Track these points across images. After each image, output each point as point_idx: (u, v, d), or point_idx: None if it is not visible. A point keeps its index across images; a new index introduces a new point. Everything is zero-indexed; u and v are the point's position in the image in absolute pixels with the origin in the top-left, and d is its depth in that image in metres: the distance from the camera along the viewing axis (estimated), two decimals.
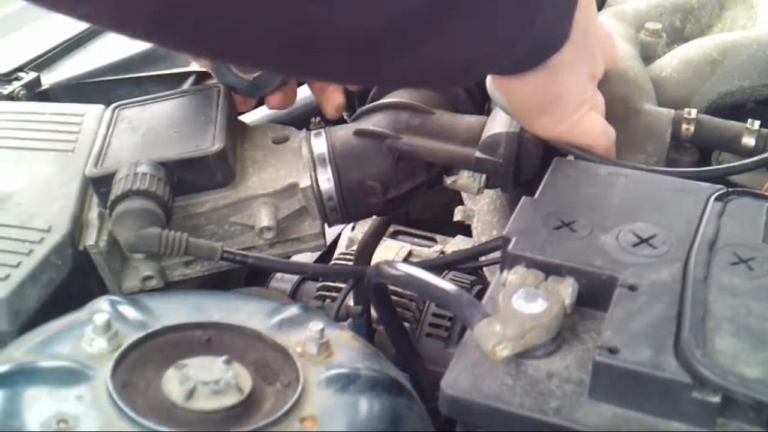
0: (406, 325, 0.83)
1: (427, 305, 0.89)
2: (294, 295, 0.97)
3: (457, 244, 1.05)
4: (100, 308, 0.59)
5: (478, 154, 0.80)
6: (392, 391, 0.58)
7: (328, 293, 0.93)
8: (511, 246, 0.56)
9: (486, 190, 0.85)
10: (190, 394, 0.52)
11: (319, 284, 0.95)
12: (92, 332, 0.56)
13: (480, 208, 0.91)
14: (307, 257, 1.01)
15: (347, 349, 0.60)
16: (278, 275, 1.01)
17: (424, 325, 0.87)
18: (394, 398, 0.57)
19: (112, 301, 0.61)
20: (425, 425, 0.59)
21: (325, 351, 0.58)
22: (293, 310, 0.62)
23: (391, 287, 0.78)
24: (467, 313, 0.51)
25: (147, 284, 0.76)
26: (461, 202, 0.97)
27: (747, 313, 0.50)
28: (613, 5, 0.98)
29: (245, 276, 0.98)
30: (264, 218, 0.77)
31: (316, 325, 0.59)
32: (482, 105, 0.92)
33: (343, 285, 0.87)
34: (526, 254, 0.55)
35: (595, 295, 0.53)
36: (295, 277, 1.00)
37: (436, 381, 0.51)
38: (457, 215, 0.95)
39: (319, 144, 0.81)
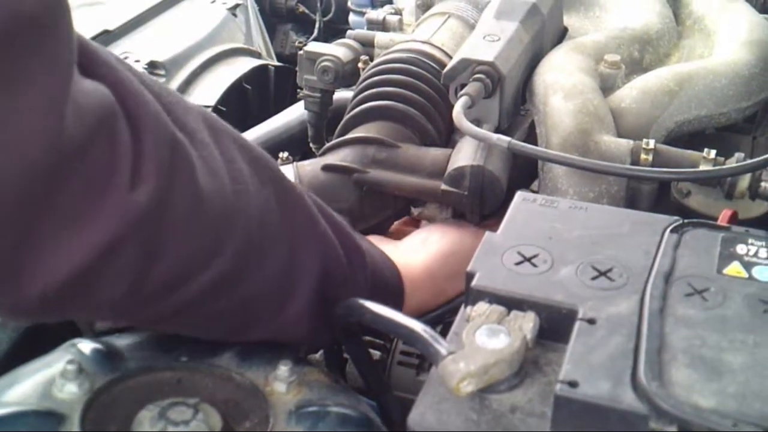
0: (377, 353, 0.84)
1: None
2: None
3: None
4: (70, 351, 0.60)
5: (443, 186, 0.82)
6: (362, 427, 0.59)
7: None
8: (474, 282, 0.57)
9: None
10: None
11: None
12: (62, 377, 0.56)
13: None
14: None
15: (317, 385, 0.61)
16: None
17: (395, 354, 0.88)
18: (361, 430, 0.58)
19: (82, 343, 0.61)
20: None
21: (294, 389, 0.59)
22: (262, 347, 0.63)
23: None
24: (432, 350, 0.53)
25: (118, 323, 0.76)
26: None
27: (701, 344, 0.51)
28: (573, 38, 1.00)
29: None
30: None
31: (285, 363, 0.60)
32: (448, 138, 0.94)
33: None
34: (489, 289, 0.56)
35: (556, 328, 0.55)
36: None
37: (408, 408, 0.52)
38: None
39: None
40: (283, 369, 0.59)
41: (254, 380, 0.60)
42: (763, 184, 0.77)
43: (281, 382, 0.59)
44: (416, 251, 0.80)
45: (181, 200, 0.53)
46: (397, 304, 0.74)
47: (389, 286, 0.74)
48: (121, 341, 0.63)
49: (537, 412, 0.51)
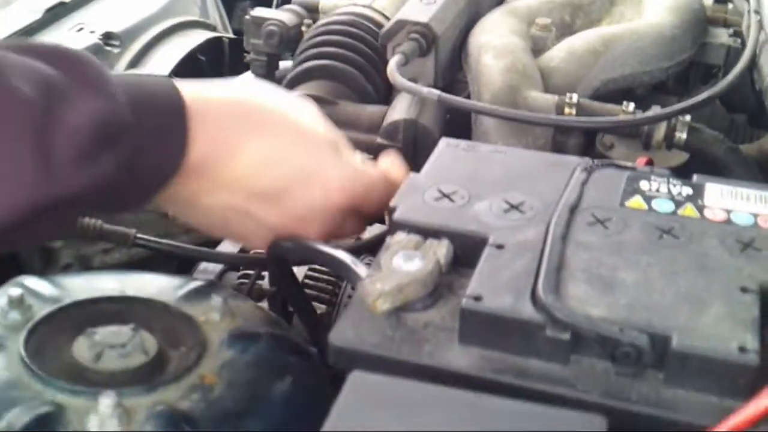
0: (323, 307, 0.88)
1: (343, 289, 0.93)
2: None
3: (373, 231, 1.10)
4: (15, 285, 0.63)
5: (379, 140, 0.86)
6: (292, 352, 0.63)
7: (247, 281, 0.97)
8: (395, 215, 0.61)
9: None
10: (98, 356, 0.57)
11: (240, 273, 1.00)
12: (6, 306, 0.60)
13: None
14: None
15: (250, 316, 0.65)
16: (201, 266, 1.05)
17: (340, 308, 0.92)
18: (294, 358, 0.62)
19: (27, 279, 0.64)
20: (324, 384, 0.64)
21: (228, 318, 0.63)
22: (199, 283, 0.67)
23: (309, 272, 0.84)
24: (352, 273, 0.57)
25: (67, 272, 0.80)
26: None
27: (598, 265, 0.56)
28: (508, 2, 1.05)
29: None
30: None
31: (219, 294, 0.63)
32: (387, 98, 0.98)
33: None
34: (408, 221, 0.61)
35: (469, 256, 0.59)
36: (219, 268, 1.04)
37: None
38: None
39: None
40: (217, 299, 0.63)
41: (190, 311, 0.63)
42: (677, 134, 0.82)
43: (215, 312, 0.63)
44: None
45: None
46: (176, 122, 0.59)
47: (158, 99, 0.59)
48: (66, 279, 0.67)
49: (448, 327, 0.55)
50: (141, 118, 0.57)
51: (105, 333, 0.58)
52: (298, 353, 0.63)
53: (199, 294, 0.65)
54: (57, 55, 0.56)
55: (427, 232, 0.60)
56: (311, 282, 0.86)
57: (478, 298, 0.53)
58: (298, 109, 0.67)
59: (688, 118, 0.82)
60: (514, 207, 0.62)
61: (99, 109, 0.54)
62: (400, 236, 0.59)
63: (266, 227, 0.63)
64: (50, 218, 0.54)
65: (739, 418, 0.47)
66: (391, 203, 0.63)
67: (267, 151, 0.63)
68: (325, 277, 0.89)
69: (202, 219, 0.65)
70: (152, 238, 0.78)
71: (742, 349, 0.49)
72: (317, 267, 0.85)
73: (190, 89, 0.61)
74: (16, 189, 0.51)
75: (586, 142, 0.89)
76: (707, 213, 0.61)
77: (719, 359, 0.49)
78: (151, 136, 0.58)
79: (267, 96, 0.66)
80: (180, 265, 1.01)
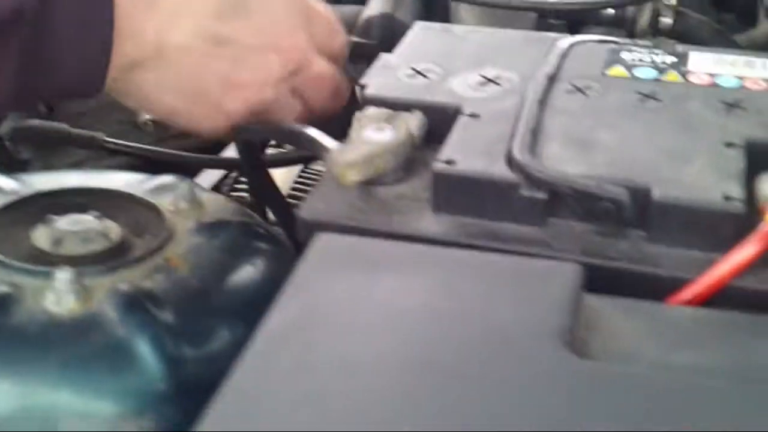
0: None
1: None
2: None
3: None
4: None
5: (353, 38, 0.83)
6: (262, 239, 0.60)
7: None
8: (365, 91, 0.59)
9: None
10: (59, 242, 0.54)
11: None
12: None
13: None
14: None
15: (221, 207, 0.63)
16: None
17: None
18: (264, 244, 0.60)
19: None
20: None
21: (196, 208, 0.61)
22: (167, 177, 0.64)
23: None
24: (321, 147, 0.54)
25: None
26: None
27: (577, 128, 0.53)
28: None
29: None
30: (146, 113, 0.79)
31: (187, 184, 0.61)
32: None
33: None
34: (379, 96, 0.58)
35: (443, 130, 0.56)
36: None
37: None
38: None
39: None
40: (185, 189, 0.61)
41: (157, 203, 0.61)
42: (663, 19, 0.79)
43: (182, 201, 0.60)
44: None
45: None
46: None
47: None
48: (30, 176, 0.64)
49: (422, 198, 0.52)
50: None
51: (66, 220, 0.56)
52: (270, 241, 0.61)
53: (168, 186, 0.63)
54: None
55: (400, 107, 0.57)
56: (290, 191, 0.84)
57: (450, 162, 0.51)
58: None
59: (673, 1, 0.79)
60: (490, 80, 0.59)
61: None
62: (371, 110, 0.57)
63: (222, 112, 0.60)
64: None
65: (722, 269, 0.45)
66: (362, 80, 0.60)
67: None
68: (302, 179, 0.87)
69: (157, 100, 0.59)
70: (121, 142, 0.75)
71: (728, 198, 0.46)
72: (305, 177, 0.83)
73: None
74: None
75: (571, 33, 0.86)
76: (691, 78, 0.58)
77: (703, 209, 0.46)
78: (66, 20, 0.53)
79: None
80: None
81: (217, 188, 0.94)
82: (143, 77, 0.57)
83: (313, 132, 0.56)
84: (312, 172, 0.84)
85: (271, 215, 0.69)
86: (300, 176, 0.85)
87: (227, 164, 0.78)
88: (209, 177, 0.82)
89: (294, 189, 0.83)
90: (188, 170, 0.76)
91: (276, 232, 0.63)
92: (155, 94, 0.58)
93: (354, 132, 0.55)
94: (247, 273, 0.57)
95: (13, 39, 0.51)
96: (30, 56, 0.52)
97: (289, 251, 0.61)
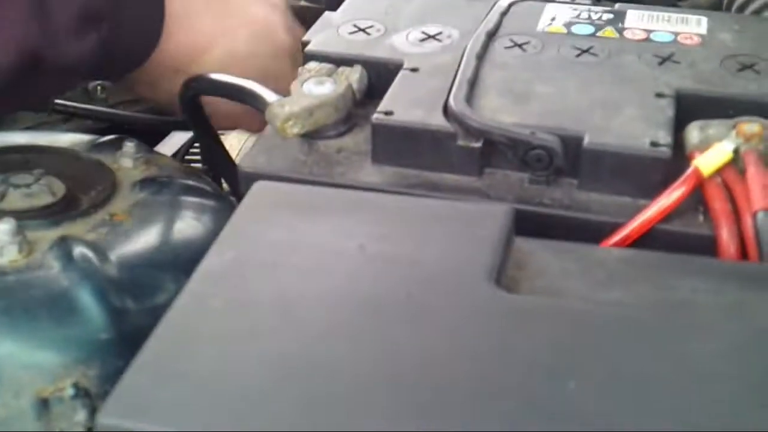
0: None
1: None
2: None
3: None
4: None
5: (302, 2, 0.83)
6: (207, 196, 0.61)
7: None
8: (307, 47, 0.59)
9: None
10: (2, 196, 0.55)
11: None
12: None
13: None
14: None
15: (166, 165, 0.63)
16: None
17: None
18: (208, 200, 0.60)
19: None
20: None
21: (141, 165, 0.61)
22: (113, 137, 0.64)
23: None
24: (260, 100, 0.55)
25: None
26: None
27: (513, 80, 0.54)
28: None
29: None
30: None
31: (131, 141, 0.61)
32: None
33: None
34: (321, 52, 0.59)
35: (384, 85, 0.57)
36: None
37: None
38: None
39: None
40: (129, 146, 0.61)
41: (102, 160, 0.61)
42: None
43: (128, 158, 0.61)
44: None
45: None
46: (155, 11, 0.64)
47: None
48: None
49: (362, 151, 0.53)
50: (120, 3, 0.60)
51: (9, 176, 0.56)
52: (214, 198, 0.61)
53: (113, 144, 0.63)
54: None
55: (341, 62, 0.58)
56: None
57: (389, 113, 0.52)
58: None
59: None
60: (431, 37, 0.60)
61: None
62: (312, 64, 0.57)
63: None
64: (36, 82, 0.57)
65: (650, 212, 0.46)
66: (304, 38, 0.61)
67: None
68: None
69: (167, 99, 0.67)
70: (70, 103, 0.75)
71: (654, 144, 0.48)
72: None
73: None
74: (12, 33, 0.55)
75: None
76: (627, 34, 0.60)
77: (631, 154, 0.48)
78: (129, 23, 0.61)
79: None
80: None
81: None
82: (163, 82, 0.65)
83: (254, 85, 0.57)
84: None
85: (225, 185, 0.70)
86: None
87: (174, 123, 0.78)
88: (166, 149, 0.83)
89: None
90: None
91: (219, 190, 0.64)
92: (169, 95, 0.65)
93: (293, 85, 0.55)
94: (192, 228, 0.57)
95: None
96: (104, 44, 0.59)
97: (231, 205, 0.61)
